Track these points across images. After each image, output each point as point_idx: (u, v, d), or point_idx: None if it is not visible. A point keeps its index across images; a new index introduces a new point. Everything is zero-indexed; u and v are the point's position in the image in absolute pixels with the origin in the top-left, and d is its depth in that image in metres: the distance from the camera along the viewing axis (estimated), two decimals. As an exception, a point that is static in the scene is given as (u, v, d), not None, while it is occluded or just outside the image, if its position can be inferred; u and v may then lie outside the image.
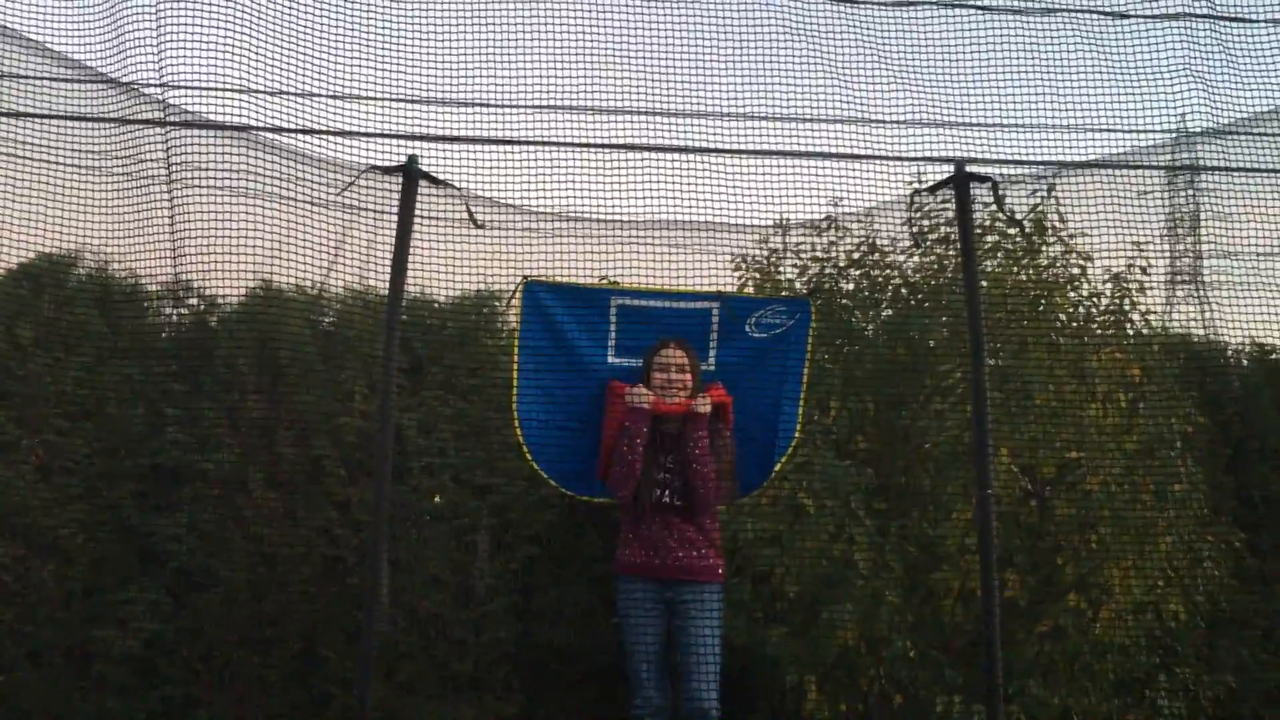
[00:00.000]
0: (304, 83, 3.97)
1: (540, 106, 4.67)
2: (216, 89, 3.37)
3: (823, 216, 5.77)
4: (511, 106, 4.79)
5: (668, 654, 5.03)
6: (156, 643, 6.17)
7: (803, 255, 5.93)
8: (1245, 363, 6.74)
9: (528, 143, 4.71)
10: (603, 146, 4.89)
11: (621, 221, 4.65)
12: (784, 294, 5.50)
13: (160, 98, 3.70)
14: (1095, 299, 5.90)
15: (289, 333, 6.04)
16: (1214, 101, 5.18)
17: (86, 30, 3.71)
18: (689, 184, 5.05)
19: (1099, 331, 5.91)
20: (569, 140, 4.80)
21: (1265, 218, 5.88)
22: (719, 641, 4.95)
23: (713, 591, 5.02)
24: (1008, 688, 5.26)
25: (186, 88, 3.58)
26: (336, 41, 4.06)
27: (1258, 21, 4.90)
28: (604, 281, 4.62)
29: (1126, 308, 5.88)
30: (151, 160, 3.71)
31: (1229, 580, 5.98)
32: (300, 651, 6.28)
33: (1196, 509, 5.87)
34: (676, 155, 4.97)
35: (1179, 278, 6.59)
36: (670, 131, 5.05)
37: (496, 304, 5.81)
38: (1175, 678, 5.79)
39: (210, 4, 3.56)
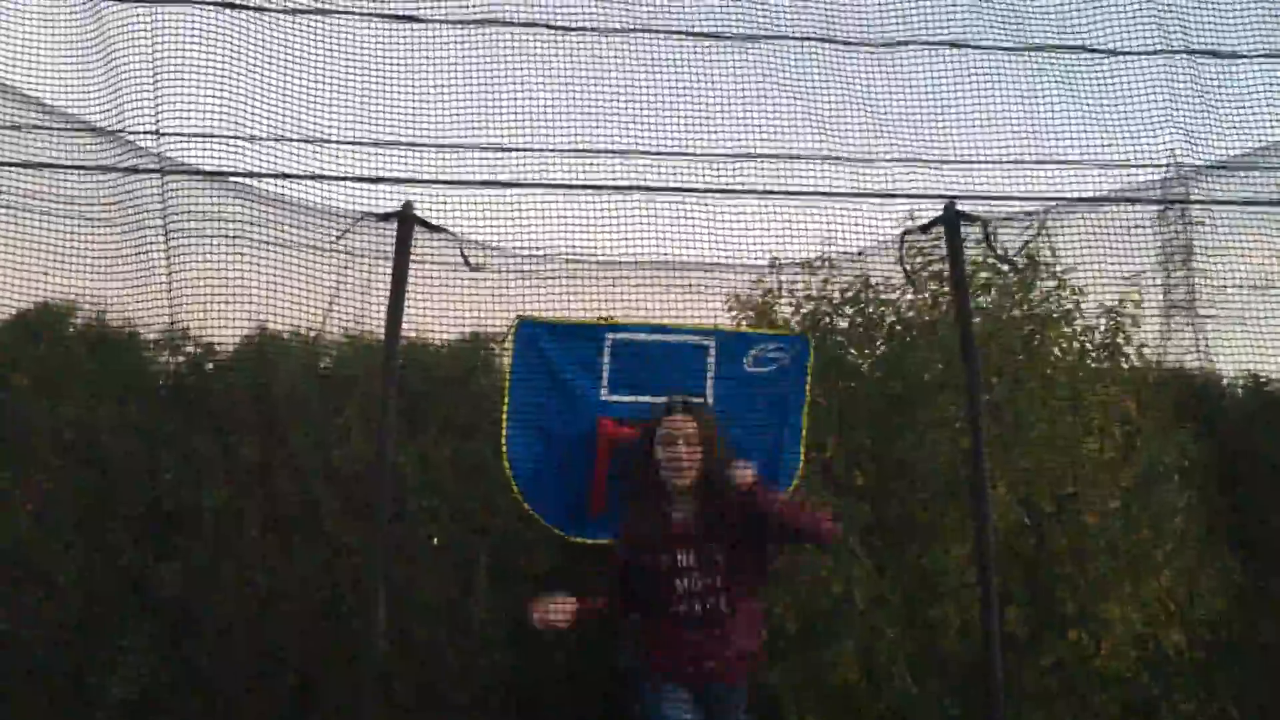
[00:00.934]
0: (298, 129, 4.00)
1: (534, 149, 4.70)
2: (212, 136, 3.40)
3: (816, 255, 5.80)
4: (505, 150, 4.83)
5: None
6: (154, 685, 6.15)
7: (797, 294, 5.96)
8: (1240, 393, 6.77)
9: (522, 185, 4.74)
10: (596, 188, 4.91)
11: (616, 262, 4.67)
12: (780, 331, 5.52)
13: (155, 149, 3.73)
14: (1089, 333, 5.92)
15: (286, 376, 6.05)
16: (1195, 139, 5.22)
17: (84, 82, 3.75)
18: (683, 224, 5.08)
19: (1093, 365, 5.94)
20: (563, 182, 4.83)
21: (1257, 250, 5.92)
22: None
23: (743, 692, 4.23)
24: (1008, 719, 5.24)
25: (181, 135, 3.61)
26: (331, 88, 4.09)
27: (1236, 57, 4.95)
28: (600, 319, 4.63)
29: (1120, 341, 5.91)
30: (148, 210, 3.74)
31: (1228, 609, 5.98)
32: (297, 688, 6.25)
33: (1194, 540, 5.88)
34: (670, 195, 5.00)
35: (1173, 311, 6.63)
36: (663, 172, 5.08)
37: (493, 345, 5.83)
38: (1175, 708, 5.78)
39: (205, 54, 3.59)
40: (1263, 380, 6.61)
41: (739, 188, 5.15)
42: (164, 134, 3.59)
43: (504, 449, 4.51)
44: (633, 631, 4.27)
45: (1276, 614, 6.45)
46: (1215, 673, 6.14)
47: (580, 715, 6.46)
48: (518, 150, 4.73)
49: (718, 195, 5.09)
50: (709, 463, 4.11)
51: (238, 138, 3.73)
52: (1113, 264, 5.88)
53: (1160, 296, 6.22)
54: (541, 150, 4.76)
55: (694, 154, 5.21)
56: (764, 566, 4.22)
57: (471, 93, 4.77)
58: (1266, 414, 6.59)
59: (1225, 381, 6.65)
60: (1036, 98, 5.68)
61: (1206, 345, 6.34)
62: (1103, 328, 5.90)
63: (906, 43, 4.91)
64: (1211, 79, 5.23)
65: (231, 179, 3.77)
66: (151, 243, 3.73)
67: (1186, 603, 5.77)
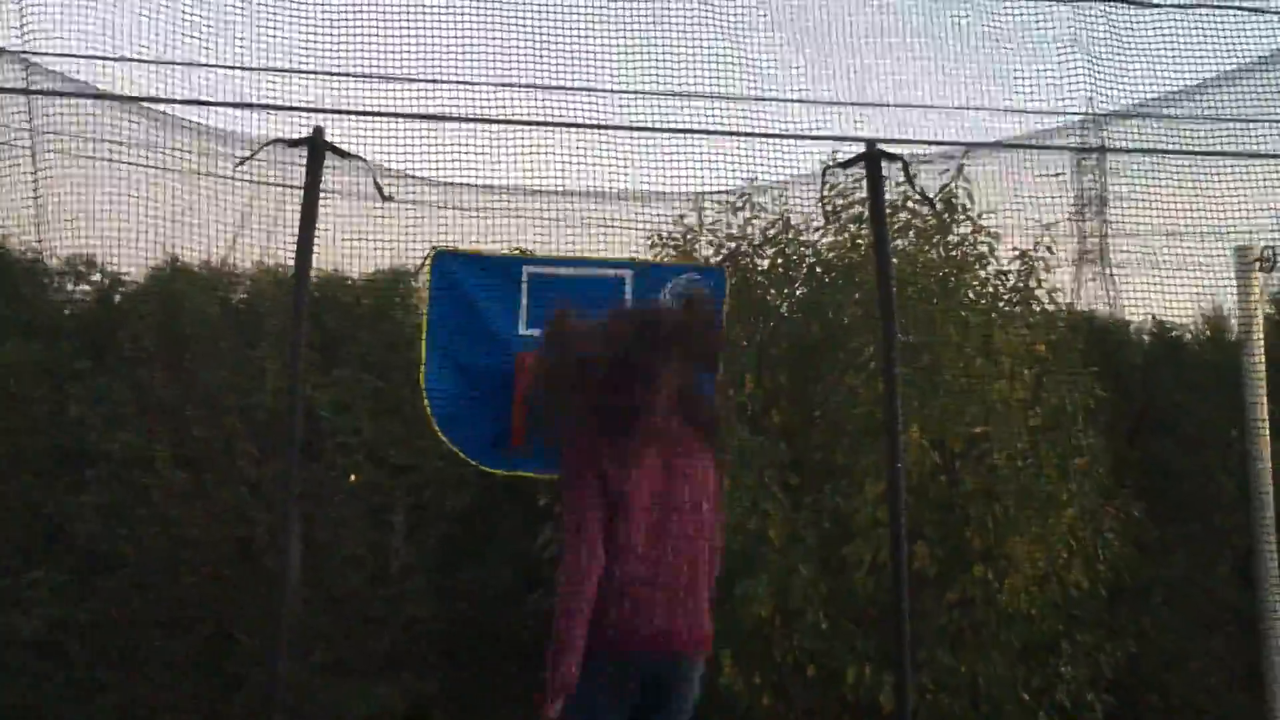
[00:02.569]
0: (209, 54, 3.88)
1: (454, 82, 4.61)
2: (104, 57, 3.27)
3: (738, 194, 5.80)
4: (425, 81, 4.73)
5: None
6: (63, 625, 6.05)
7: (718, 233, 5.96)
8: (1146, 339, 6.94)
9: (439, 118, 4.66)
10: (516, 123, 4.85)
11: (536, 191, 4.61)
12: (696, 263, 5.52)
13: (25, 58, 3.56)
14: (1003, 277, 6.02)
15: (196, 309, 5.93)
16: (1104, 85, 5.30)
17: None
18: (605, 160, 5.03)
19: (1006, 309, 6.04)
20: (482, 116, 4.76)
21: (1168, 199, 6.04)
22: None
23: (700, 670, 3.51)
24: (917, 656, 5.37)
25: (80, 57, 3.47)
26: (243, 13, 3.97)
27: (1146, 5, 5.02)
28: (517, 251, 4.59)
29: (1033, 285, 6.01)
30: (19, 129, 3.59)
31: (1129, 550, 6.16)
32: (212, 633, 6.19)
33: (1098, 481, 6.03)
34: (591, 131, 4.94)
35: (1086, 257, 6.75)
36: (587, 108, 5.01)
37: (411, 280, 5.76)
38: (1078, 645, 5.96)
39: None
40: (1167, 327, 6.78)
41: (663, 126, 5.11)
42: (55, 54, 3.45)
43: (423, 383, 4.45)
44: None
45: (1175, 554, 6.68)
46: (1116, 611, 6.35)
47: (500, 664, 6.48)
48: (437, 82, 4.64)
49: (640, 133, 5.05)
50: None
51: (145, 62, 3.60)
52: (1029, 210, 5.96)
53: (1073, 242, 6.33)
54: (462, 83, 4.67)
55: (618, 90, 5.15)
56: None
57: (389, 21, 4.66)
58: (1169, 359, 6.78)
59: (1132, 327, 6.82)
60: (958, 43, 5.71)
61: (1116, 292, 6.48)
62: (1016, 272, 5.99)
63: (830, -18, 4.90)
64: (1123, 26, 5.30)
65: (131, 102, 3.65)
66: (34, 164, 3.59)
67: (1089, 543, 5.93)
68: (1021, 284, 6.00)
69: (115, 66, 3.62)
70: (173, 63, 3.31)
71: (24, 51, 3.39)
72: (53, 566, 6.11)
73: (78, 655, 6.08)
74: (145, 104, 3.57)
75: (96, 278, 5.73)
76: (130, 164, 3.52)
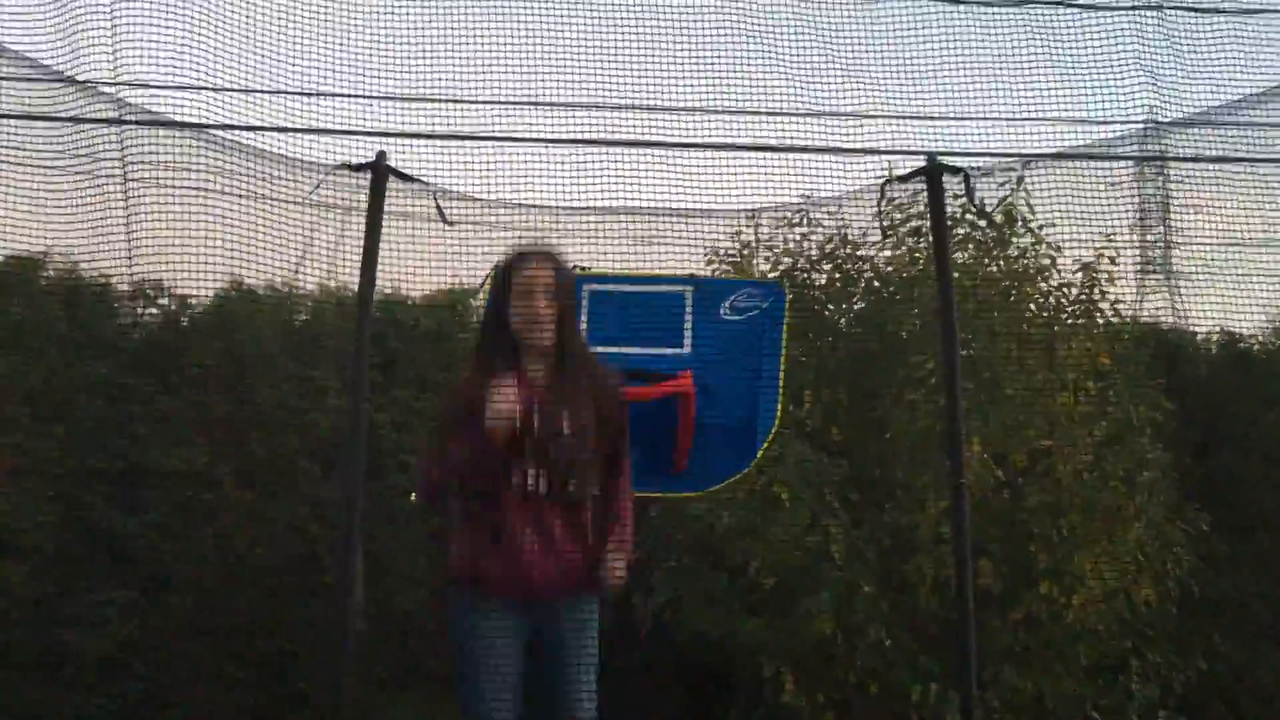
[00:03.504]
0: (269, 80, 3.93)
1: (512, 102, 4.64)
2: (178, 87, 3.33)
3: (795, 210, 5.78)
4: (482, 102, 4.76)
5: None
6: (128, 643, 6.14)
7: (775, 249, 5.95)
8: (1213, 350, 6.82)
9: (498, 139, 4.69)
10: (573, 142, 4.86)
11: (594, 209, 4.61)
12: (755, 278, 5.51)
13: (116, 96, 3.65)
14: (1065, 289, 5.94)
15: (260, 331, 6.00)
16: (1166, 93, 5.22)
17: (42, 29, 3.66)
18: (661, 180, 5.03)
19: (1069, 321, 5.96)
20: (540, 136, 4.78)
21: (1233, 207, 5.93)
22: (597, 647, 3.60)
23: (594, 606, 3.60)
24: (982, 674, 5.30)
25: (146, 86, 3.54)
26: (301, 37, 4.02)
27: (1210, 12, 4.94)
28: (575, 269, 4.60)
29: (1096, 297, 5.93)
30: (109, 159, 3.67)
31: (1199, 565, 6.05)
32: (275, 650, 6.26)
33: (1165, 495, 5.93)
34: (647, 150, 4.95)
35: (1149, 267, 6.65)
36: (643, 126, 5.02)
37: (470, 299, 5.80)
38: (1147, 662, 5.86)
39: (168, 2, 3.51)
40: (1235, 337, 6.66)
41: (718, 142, 5.11)
42: (127, 84, 3.52)
43: None
44: (457, 521, 3.56)
45: (1246, 569, 6.54)
46: (1186, 627, 6.23)
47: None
48: (495, 103, 4.67)
49: (696, 150, 5.05)
50: (566, 321, 3.64)
51: (205, 88, 3.66)
52: (1090, 220, 5.88)
53: (1136, 253, 6.23)
54: (520, 103, 4.70)
55: (672, 108, 5.16)
56: (613, 467, 3.65)
57: (447, 45, 4.70)
58: (1237, 370, 6.65)
59: (1199, 338, 6.70)
60: (1014, 53, 5.65)
61: (1181, 302, 6.37)
62: (1079, 284, 5.92)
63: (884, -4, 4.87)
64: (1184, 33, 5.22)
65: (202, 130, 3.71)
66: (116, 194, 3.66)
67: (1157, 557, 5.82)
68: (1084, 296, 5.92)
69: (180, 94, 3.68)
70: (243, 90, 3.37)
71: (117, 83, 3.46)
72: (119, 585, 6.21)
73: (143, 672, 6.16)
74: (212, 130, 3.63)
75: (164, 301, 5.83)
76: (196, 190, 3.58)
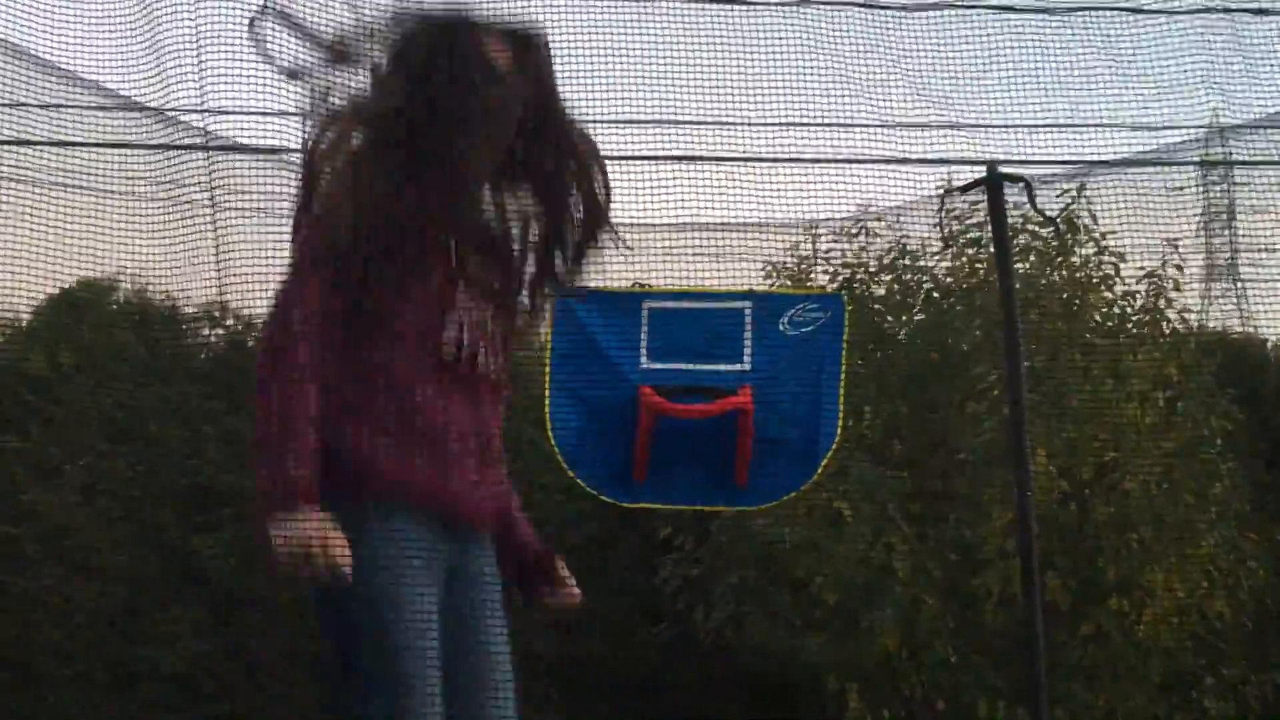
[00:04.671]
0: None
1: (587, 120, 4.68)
2: (258, 113, 3.40)
3: (852, 220, 5.76)
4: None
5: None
6: (201, 661, 6.24)
7: (833, 261, 5.93)
8: (1284, 358, 6.69)
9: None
10: (629, 159, 4.88)
11: (652, 225, 4.63)
12: (815, 291, 5.50)
13: (201, 124, 3.74)
14: (1130, 298, 5.86)
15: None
16: (1233, 98, 5.14)
17: (129, 61, 3.76)
18: (719, 193, 5.05)
19: (1134, 330, 5.87)
20: (610, 153, 4.81)
21: (1300, 212, 5.82)
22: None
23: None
24: (1051, 691, 5.21)
25: (228, 113, 3.61)
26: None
27: (1271, 14, 4.86)
28: (635, 287, 4.63)
29: (1161, 306, 5.84)
30: (191, 185, 3.75)
31: (1274, 579, 5.91)
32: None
33: (1238, 507, 5.81)
34: (704, 165, 4.97)
35: (1215, 274, 6.54)
36: (699, 140, 5.04)
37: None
38: (1222, 678, 5.73)
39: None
40: (1308, 344, 6.52)
41: (779, 156, 5.11)
42: (210, 111, 3.60)
43: (548, 418, 4.53)
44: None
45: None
46: (1262, 642, 6.08)
47: (620, 698, 6.48)
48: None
49: (756, 164, 5.06)
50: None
51: (285, 113, 3.73)
52: (1153, 228, 5.79)
53: (1201, 260, 6.13)
54: (585, 122, 4.74)
55: (731, 122, 5.18)
56: None
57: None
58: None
59: (1269, 345, 6.57)
60: (1074, 60, 5.60)
61: (1249, 308, 6.25)
62: (1144, 292, 5.83)
63: (937, 5, 4.84)
64: (1252, 37, 5.14)
65: (280, 154, 3.78)
66: (196, 217, 3.74)
67: (1231, 571, 5.70)
68: (1150, 304, 5.83)
69: (259, 120, 3.76)
70: (289, 114, 3.43)
71: (201, 110, 3.55)
72: (190, 603, 6.31)
73: (214, 690, 6.26)
74: (287, 154, 3.70)
75: (230, 322, 5.94)
76: (266, 213, 3.65)
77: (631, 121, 4.88)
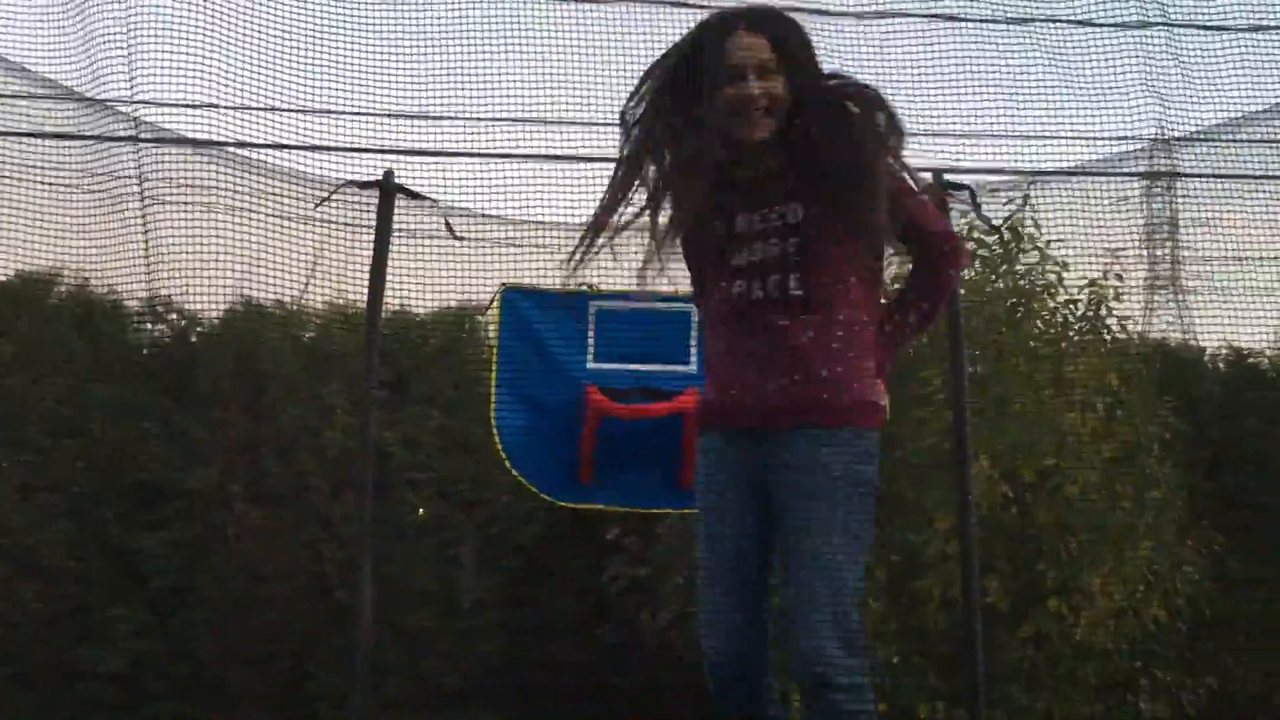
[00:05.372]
0: (277, 99, 4.00)
1: (516, 119, 4.70)
2: (190, 105, 3.39)
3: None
4: (489, 119, 4.83)
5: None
6: (143, 661, 6.17)
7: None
8: (1223, 367, 6.79)
9: (506, 155, 4.75)
10: (581, 159, 4.92)
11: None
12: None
13: (133, 115, 3.72)
14: (1072, 306, 5.93)
15: (270, 348, 6.05)
16: (1174, 109, 5.25)
17: (60, 50, 3.74)
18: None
19: (1076, 338, 5.95)
20: (548, 153, 4.84)
21: (1242, 223, 5.94)
22: (861, 543, 2.57)
23: (848, 444, 2.61)
24: (990, 693, 5.27)
25: (159, 104, 3.60)
26: (310, 58, 4.09)
27: (1218, 29, 4.97)
28: (584, 287, 4.64)
29: (1103, 314, 5.92)
30: (126, 177, 3.74)
31: (1209, 584, 6.01)
32: (288, 669, 6.27)
33: (1175, 513, 5.90)
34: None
35: (1157, 283, 6.64)
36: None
37: (479, 317, 5.84)
38: (1157, 681, 5.81)
39: (182, 23, 3.58)
40: (1244, 353, 6.63)
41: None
42: (141, 102, 3.59)
43: (493, 417, 4.53)
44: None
45: (1259, 588, 6.49)
46: (1196, 647, 6.18)
47: (568, 698, 6.48)
48: (501, 120, 4.73)
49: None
50: (799, 91, 2.62)
51: (216, 107, 3.72)
52: (1098, 237, 5.88)
53: (1144, 269, 6.23)
54: (524, 120, 4.76)
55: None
56: (875, 257, 2.70)
57: (453, 64, 4.77)
58: (1248, 388, 6.62)
59: (1207, 354, 6.68)
60: (1021, 71, 5.69)
61: (1189, 319, 6.36)
62: (1085, 300, 5.91)
63: (888, 15, 4.91)
64: (1191, 51, 5.24)
65: (215, 147, 3.77)
66: (131, 211, 3.73)
67: (1167, 576, 5.79)
68: (1091, 313, 5.91)
69: (192, 112, 3.74)
70: (251, 108, 3.43)
71: (134, 101, 3.54)
72: (134, 602, 6.24)
73: (157, 690, 6.19)
74: (223, 148, 3.69)
75: (174, 318, 5.89)
76: (206, 207, 3.64)
77: (577, 123, 4.89)
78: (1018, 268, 5.90)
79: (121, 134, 3.70)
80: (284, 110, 3.89)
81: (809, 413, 2.60)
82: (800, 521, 2.56)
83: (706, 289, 2.80)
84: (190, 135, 3.57)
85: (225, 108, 3.38)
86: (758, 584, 2.69)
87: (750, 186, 2.69)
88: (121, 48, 3.52)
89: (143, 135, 3.63)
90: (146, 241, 3.50)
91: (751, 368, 2.63)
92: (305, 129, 4.02)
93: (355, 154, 3.99)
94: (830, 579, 2.52)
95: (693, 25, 2.73)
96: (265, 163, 3.98)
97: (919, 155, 5.24)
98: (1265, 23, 5.46)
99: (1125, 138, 5.86)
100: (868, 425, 2.68)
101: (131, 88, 3.53)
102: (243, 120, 3.78)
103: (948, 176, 4.80)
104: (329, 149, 4.01)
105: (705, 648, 2.67)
